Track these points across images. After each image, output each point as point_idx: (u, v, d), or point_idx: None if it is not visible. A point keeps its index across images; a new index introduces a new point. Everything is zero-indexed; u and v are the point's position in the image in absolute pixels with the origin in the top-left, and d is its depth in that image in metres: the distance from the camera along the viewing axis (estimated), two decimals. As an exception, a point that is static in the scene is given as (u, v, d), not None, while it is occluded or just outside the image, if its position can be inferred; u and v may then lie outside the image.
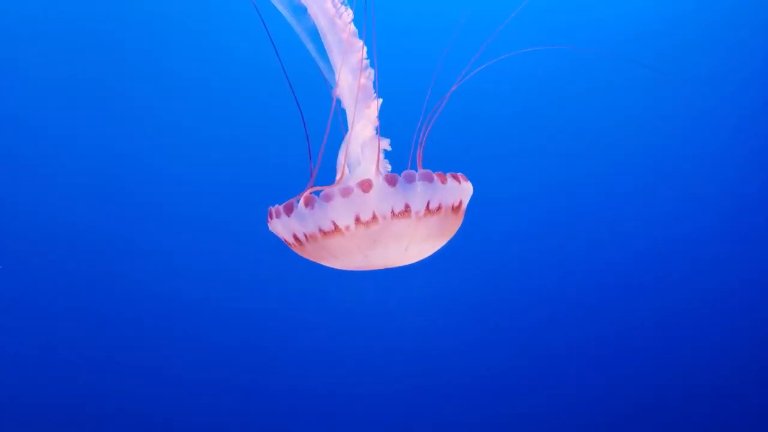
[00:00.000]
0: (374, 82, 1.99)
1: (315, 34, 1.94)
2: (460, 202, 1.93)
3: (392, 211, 1.81)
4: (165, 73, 5.05)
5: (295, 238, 1.91)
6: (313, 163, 1.96)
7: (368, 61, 1.96)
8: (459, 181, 1.91)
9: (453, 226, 1.97)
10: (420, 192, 1.82)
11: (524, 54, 2.48)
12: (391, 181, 1.81)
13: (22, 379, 4.84)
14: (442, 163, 2.06)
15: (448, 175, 1.88)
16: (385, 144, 2.01)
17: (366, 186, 1.81)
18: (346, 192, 1.81)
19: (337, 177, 2.02)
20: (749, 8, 5.26)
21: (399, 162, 2.01)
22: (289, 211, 1.88)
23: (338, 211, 1.81)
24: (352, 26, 1.92)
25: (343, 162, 2.04)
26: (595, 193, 5.39)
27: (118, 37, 4.93)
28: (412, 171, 1.84)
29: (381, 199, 1.81)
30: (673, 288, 5.36)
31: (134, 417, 4.93)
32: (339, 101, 2.02)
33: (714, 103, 5.29)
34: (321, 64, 1.98)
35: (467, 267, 5.14)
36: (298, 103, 2.00)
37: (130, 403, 4.95)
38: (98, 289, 4.93)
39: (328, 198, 1.81)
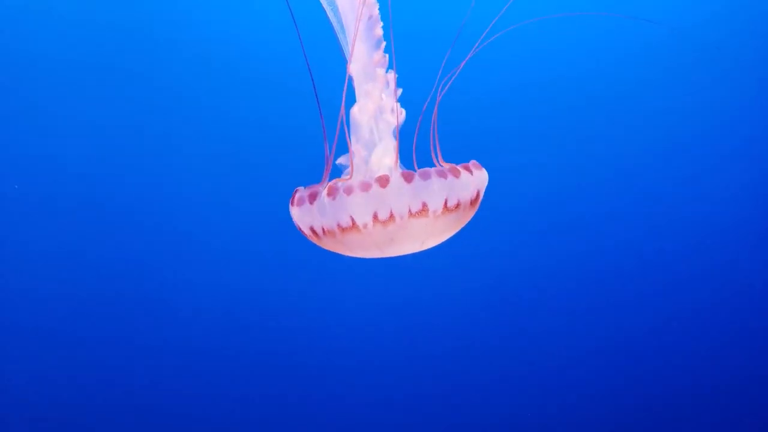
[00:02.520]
0: (391, 60, 1.96)
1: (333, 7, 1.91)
2: (478, 194, 1.89)
3: (410, 211, 1.75)
4: (186, 49, 5.01)
5: (312, 230, 1.85)
6: (328, 147, 1.92)
7: (384, 41, 1.93)
8: (471, 172, 1.85)
9: (469, 215, 1.93)
10: (437, 190, 1.76)
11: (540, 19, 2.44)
12: (407, 178, 1.75)
13: (20, 379, 4.85)
14: (456, 146, 2.03)
15: (461, 167, 1.81)
16: (402, 115, 1.94)
17: (384, 181, 1.74)
18: (365, 187, 1.74)
19: (355, 160, 1.96)
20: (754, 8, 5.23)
21: (417, 146, 1.96)
22: (312, 199, 1.82)
23: (357, 206, 1.74)
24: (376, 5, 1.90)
25: (356, 144, 2.00)
26: (603, 189, 5.37)
27: (120, 23, 4.90)
28: (429, 168, 1.77)
29: (398, 197, 1.74)
30: (678, 289, 5.34)
31: (137, 411, 4.94)
32: (351, 85, 1.99)
33: (723, 103, 5.28)
34: (339, 37, 1.94)
35: (471, 262, 5.13)
36: (315, 88, 1.96)
37: (133, 398, 4.96)
38: (103, 279, 4.92)
39: (348, 191, 1.75)
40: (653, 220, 5.35)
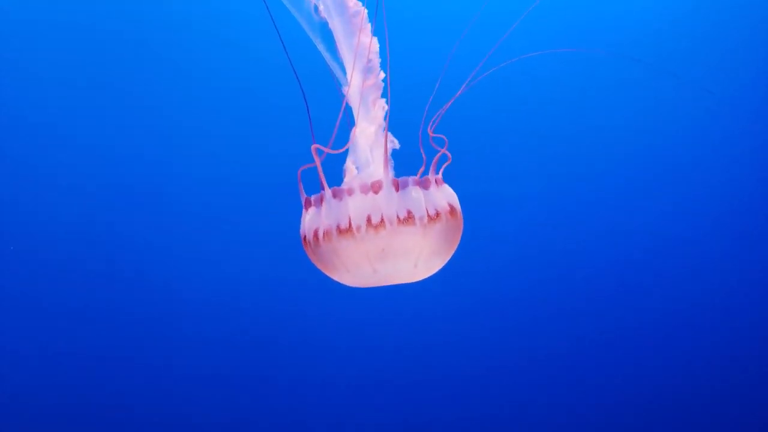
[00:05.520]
0: (384, 82, 1.99)
1: (326, 33, 1.93)
2: (452, 207, 1.95)
3: (398, 217, 1.85)
4: (172, 71, 5.05)
5: (315, 235, 1.93)
6: (321, 163, 1.96)
7: (379, 60, 1.96)
8: (437, 185, 1.95)
9: (455, 234, 1.99)
10: (416, 197, 1.87)
11: (532, 55, 2.46)
12: (395, 186, 1.87)
13: (25, 378, 4.85)
14: (449, 165, 2.06)
15: (429, 179, 1.92)
16: (395, 144, 2.02)
17: (377, 187, 1.87)
18: (363, 189, 1.88)
19: (346, 179, 2.02)
20: (749, 8, 5.25)
21: (407, 163, 2.01)
22: (319, 202, 1.94)
23: (354, 207, 1.86)
24: (368, 25, 1.92)
25: (350, 164, 2.04)
26: (599, 194, 5.38)
27: (127, 38, 4.93)
28: (406, 178, 1.90)
29: (388, 202, 1.86)
30: (674, 288, 5.35)
31: (134, 415, 4.94)
32: (348, 105, 2.01)
33: (715, 103, 5.29)
34: (330, 63, 1.97)
35: (468, 269, 5.12)
36: (306, 103, 2.00)
37: (132, 401, 4.96)
38: (101, 287, 4.93)
39: (349, 192, 1.88)
40: (651, 231, 5.36)
